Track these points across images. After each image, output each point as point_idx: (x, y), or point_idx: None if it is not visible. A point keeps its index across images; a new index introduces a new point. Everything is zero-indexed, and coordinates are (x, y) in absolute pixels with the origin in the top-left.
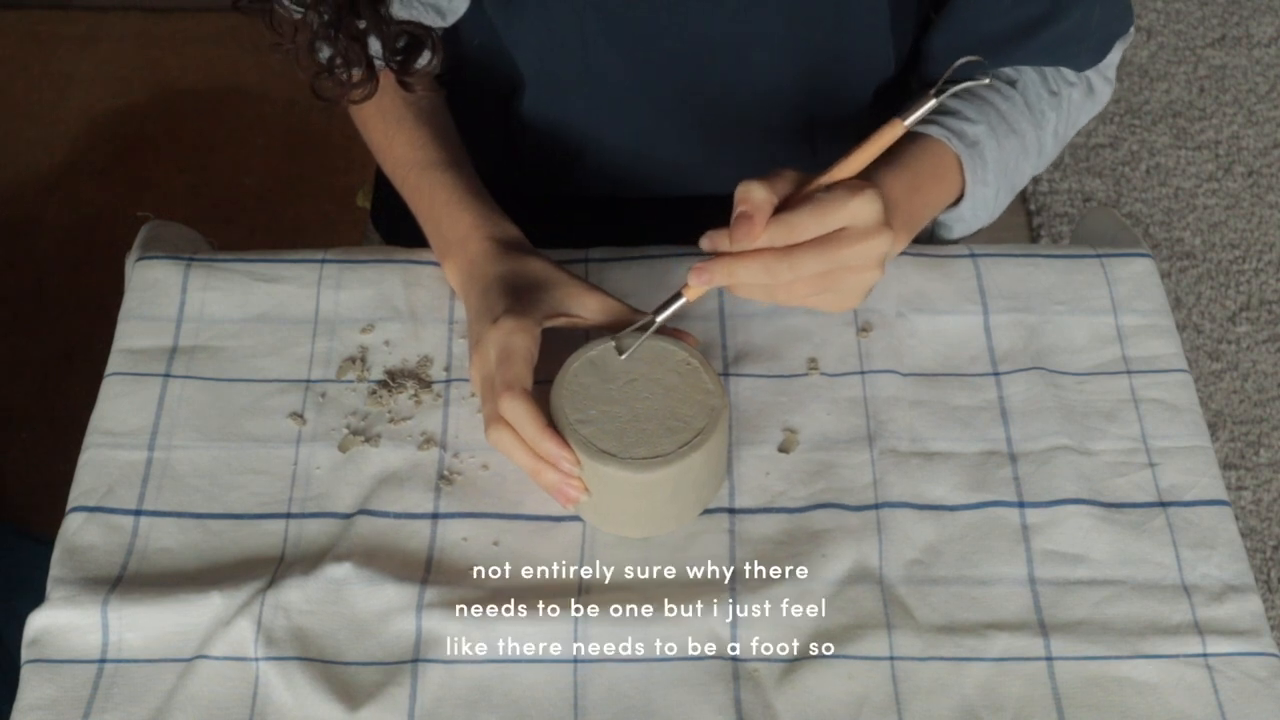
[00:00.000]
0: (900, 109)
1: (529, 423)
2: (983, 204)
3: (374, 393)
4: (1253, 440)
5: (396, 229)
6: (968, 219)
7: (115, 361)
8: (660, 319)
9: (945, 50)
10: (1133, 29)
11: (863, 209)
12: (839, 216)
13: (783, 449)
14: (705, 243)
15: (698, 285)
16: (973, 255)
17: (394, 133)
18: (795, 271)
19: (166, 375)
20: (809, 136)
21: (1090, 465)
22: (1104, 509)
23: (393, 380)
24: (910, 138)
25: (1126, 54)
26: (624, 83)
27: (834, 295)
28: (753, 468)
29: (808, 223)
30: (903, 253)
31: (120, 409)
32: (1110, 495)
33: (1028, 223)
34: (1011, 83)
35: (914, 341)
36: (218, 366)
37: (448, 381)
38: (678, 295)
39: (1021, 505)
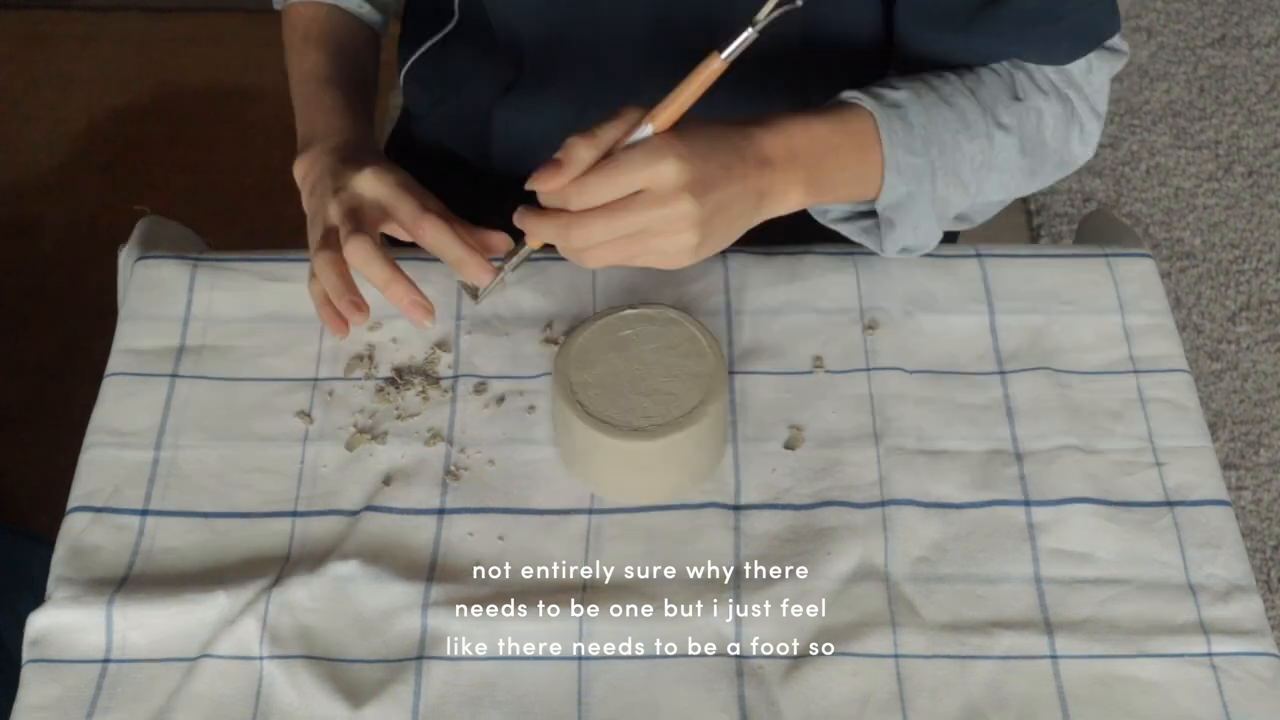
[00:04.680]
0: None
1: (453, 241)
2: (913, 175)
3: (381, 390)
4: (1253, 440)
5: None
6: (903, 202)
7: (117, 362)
8: (510, 267)
9: (908, 19)
10: (1125, 54)
11: (660, 172)
12: (634, 180)
13: (788, 446)
14: (529, 183)
15: (520, 226)
16: (979, 256)
17: (310, 52)
18: (587, 238)
19: (174, 375)
20: (802, 82)
21: (1096, 464)
22: (1110, 508)
23: (400, 377)
24: (840, 105)
25: None
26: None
27: (652, 257)
28: (758, 464)
29: (599, 187)
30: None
31: (127, 409)
32: (1117, 494)
33: (1028, 223)
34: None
35: (920, 340)
36: (225, 366)
37: (455, 377)
38: (523, 243)
39: (1027, 504)
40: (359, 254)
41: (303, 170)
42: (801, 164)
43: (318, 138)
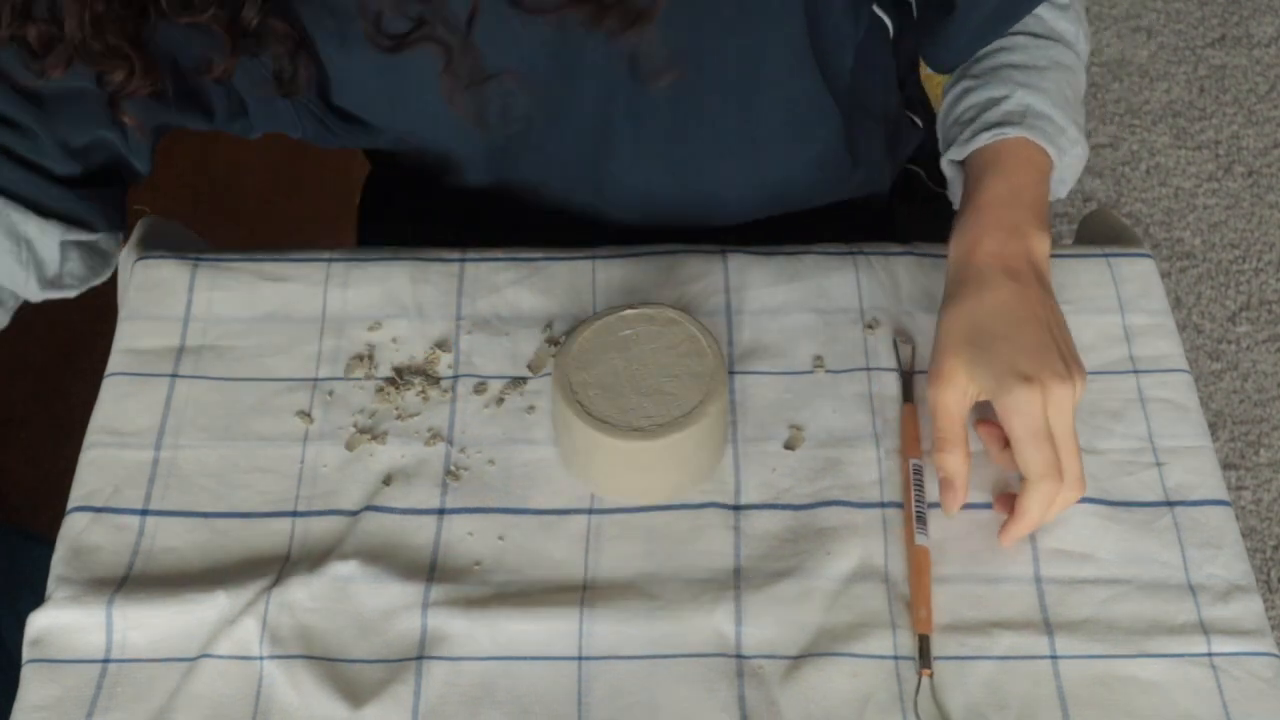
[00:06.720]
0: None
1: None
2: (1068, 142)
3: (381, 390)
4: (1253, 440)
5: (387, 233)
6: (1071, 162)
7: (117, 361)
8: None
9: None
10: None
11: (1032, 436)
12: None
13: (788, 446)
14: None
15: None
16: None
17: None
18: (1052, 510)
19: (174, 375)
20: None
21: (1097, 464)
22: (1110, 508)
23: (400, 377)
24: (970, 161)
25: (1127, 54)
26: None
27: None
28: (758, 464)
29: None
30: (910, 253)
31: (127, 409)
32: (1117, 494)
33: None
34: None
35: (920, 339)
36: (225, 366)
37: (455, 377)
38: None
39: None
40: None
41: None
42: (1025, 223)
43: None
